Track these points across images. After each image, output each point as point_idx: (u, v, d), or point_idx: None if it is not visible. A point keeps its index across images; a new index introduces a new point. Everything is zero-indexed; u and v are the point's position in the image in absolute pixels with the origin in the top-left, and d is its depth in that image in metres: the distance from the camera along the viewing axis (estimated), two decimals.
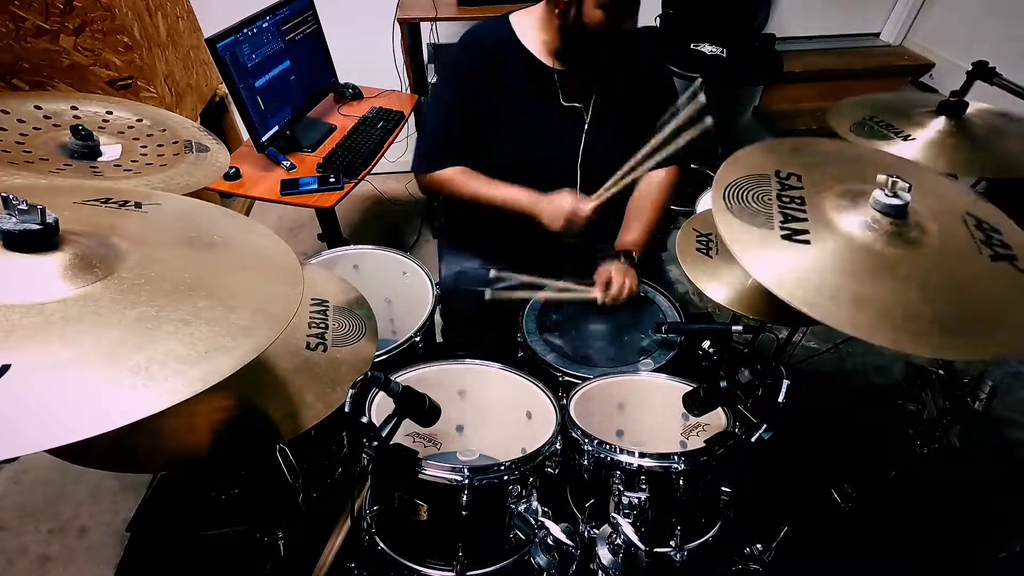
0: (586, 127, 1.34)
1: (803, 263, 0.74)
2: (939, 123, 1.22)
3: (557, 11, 1.22)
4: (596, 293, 1.32)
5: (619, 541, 0.90)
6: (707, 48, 2.41)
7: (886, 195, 0.79)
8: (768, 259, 0.75)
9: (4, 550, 1.52)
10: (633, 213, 1.43)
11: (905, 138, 1.20)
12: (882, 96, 1.35)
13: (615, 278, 1.31)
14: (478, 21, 1.42)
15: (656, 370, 1.20)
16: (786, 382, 0.85)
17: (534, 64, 1.31)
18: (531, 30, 1.31)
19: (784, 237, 0.76)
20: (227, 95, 2.39)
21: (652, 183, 1.46)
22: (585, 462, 1.00)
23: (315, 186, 1.69)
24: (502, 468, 0.92)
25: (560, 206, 1.28)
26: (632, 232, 1.41)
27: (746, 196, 0.83)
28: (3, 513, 1.60)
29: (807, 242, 0.76)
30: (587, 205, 1.27)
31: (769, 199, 0.83)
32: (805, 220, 0.79)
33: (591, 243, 1.37)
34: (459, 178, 1.38)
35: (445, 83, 1.38)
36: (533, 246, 1.34)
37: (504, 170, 1.37)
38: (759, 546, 1.09)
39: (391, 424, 0.83)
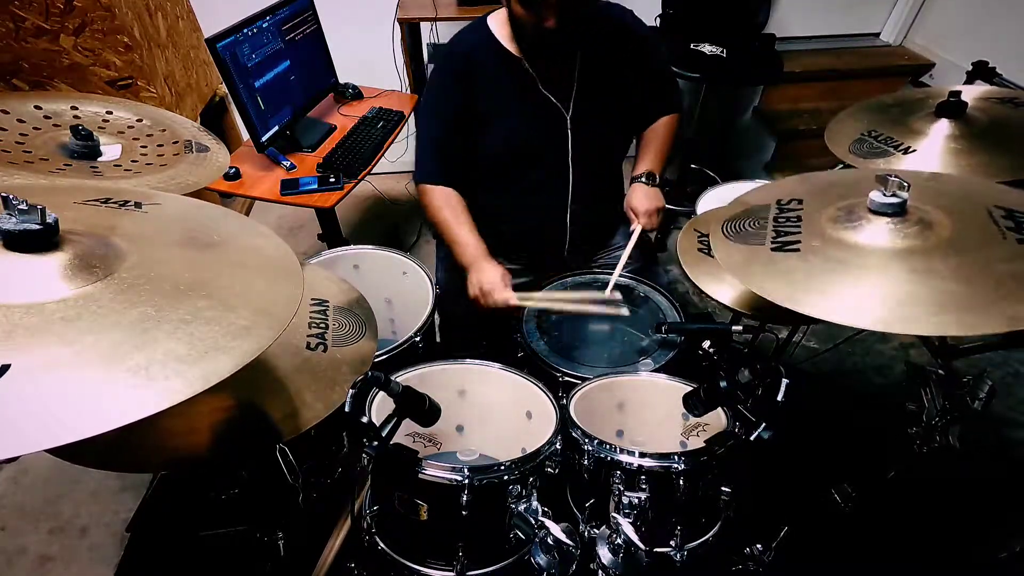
0: (568, 118, 1.34)
1: (792, 269, 0.78)
2: (941, 127, 1.18)
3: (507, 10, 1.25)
4: (638, 223, 1.40)
5: (619, 541, 0.90)
6: (707, 48, 2.41)
7: (884, 195, 0.79)
8: (757, 270, 0.80)
9: (4, 550, 1.52)
10: (645, 148, 1.51)
11: (906, 151, 1.17)
12: (877, 101, 1.34)
13: (647, 205, 1.39)
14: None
15: (656, 370, 1.20)
16: (785, 382, 0.85)
17: (510, 60, 1.31)
18: (504, 27, 1.32)
19: (774, 249, 0.82)
20: (227, 95, 2.39)
21: (658, 127, 1.51)
22: (585, 462, 1.00)
23: (315, 186, 1.69)
24: (502, 468, 0.92)
25: (479, 280, 1.29)
26: (647, 162, 1.47)
27: (743, 225, 0.90)
28: (3, 513, 1.60)
29: (796, 250, 0.81)
30: (505, 295, 1.27)
31: (764, 222, 0.89)
32: (798, 233, 0.84)
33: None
34: (436, 202, 1.38)
35: (435, 93, 1.39)
36: (534, 250, 1.35)
37: (496, 165, 1.38)
38: (759, 546, 1.09)
39: (391, 424, 0.83)
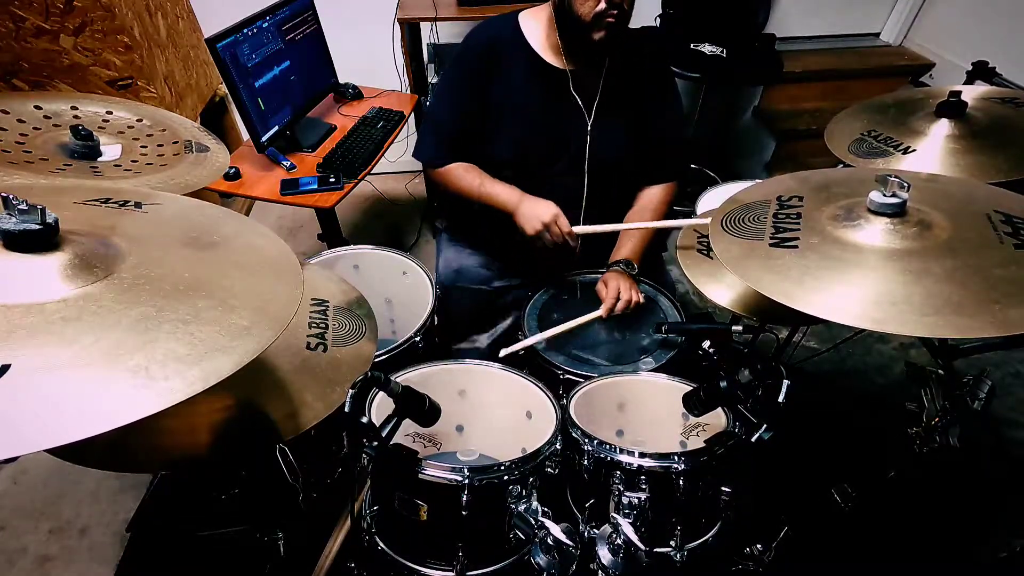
0: (589, 127, 1.34)
1: (789, 264, 0.79)
2: (941, 127, 1.18)
3: (552, 4, 1.24)
4: (602, 311, 1.30)
5: (619, 541, 0.90)
6: (707, 48, 2.41)
7: (884, 195, 0.79)
8: (754, 264, 0.80)
9: (4, 550, 1.52)
10: (627, 231, 1.43)
11: (905, 151, 1.17)
12: (877, 101, 1.33)
13: (622, 292, 1.30)
14: (478, 21, 1.42)
15: (656, 370, 1.20)
16: (786, 382, 0.85)
17: (539, 63, 1.31)
18: (538, 30, 1.32)
19: (773, 245, 0.82)
20: (227, 95, 2.39)
21: (649, 199, 1.45)
22: (585, 462, 1.00)
23: (315, 186, 1.68)
24: (502, 468, 0.92)
25: (538, 212, 1.26)
26: (625, 250, 1.40)
27: (742, 219, 0.90)
28: (3, 513, 1.60)
29: (795, 247, 0.81)
30: (566, 223, 1.25)
31: (764, 218, 0.89)
32: (797, 229, 0.84)
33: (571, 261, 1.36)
34: (457, 172, 1.39)
35: (452, 78, 1.39)
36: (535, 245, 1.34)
37: (505, 168, 1.37)
38: (759, 546, 1.09)
39: (391, 424, 0.83)
